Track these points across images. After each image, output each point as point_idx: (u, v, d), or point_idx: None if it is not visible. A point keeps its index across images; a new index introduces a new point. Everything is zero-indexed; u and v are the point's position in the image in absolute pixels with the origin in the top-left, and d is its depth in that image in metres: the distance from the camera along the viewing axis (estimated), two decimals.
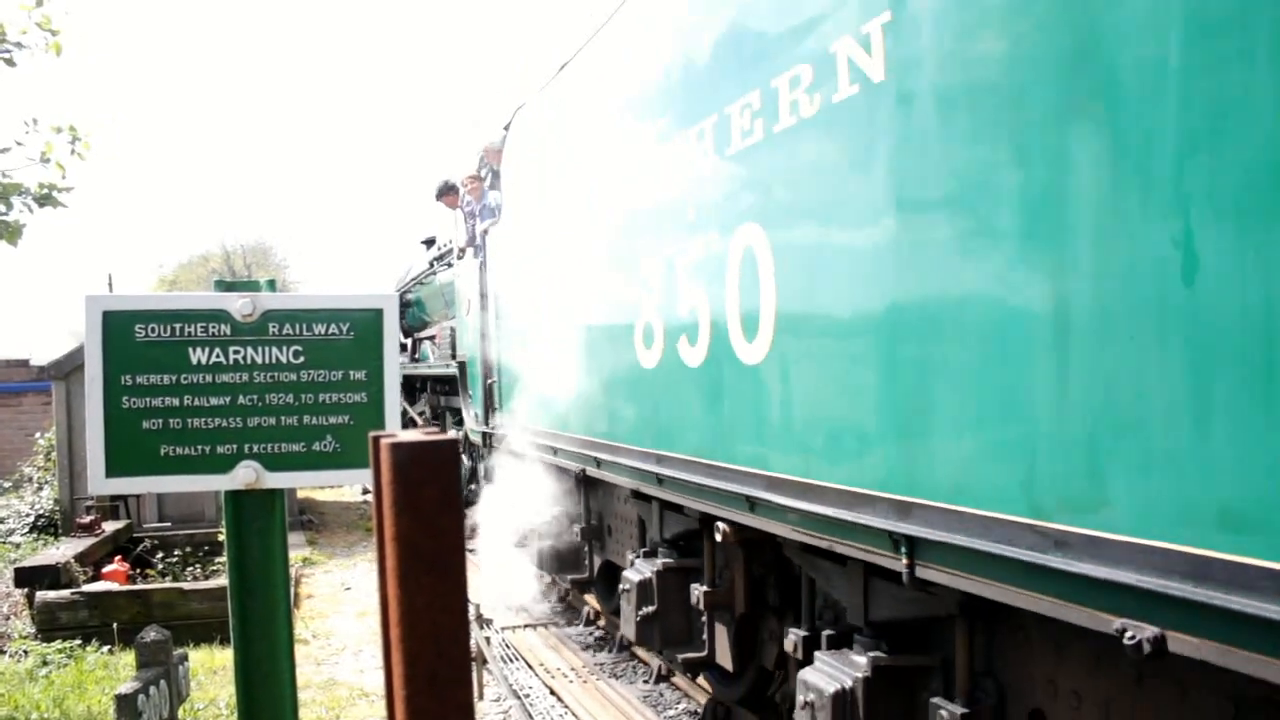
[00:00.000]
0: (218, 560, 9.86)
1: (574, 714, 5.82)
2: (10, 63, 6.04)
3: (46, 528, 11.72)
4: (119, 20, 76.94)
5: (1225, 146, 1.88)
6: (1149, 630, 2.02)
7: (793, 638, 3.93)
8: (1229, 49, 1.87)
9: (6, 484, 13.98)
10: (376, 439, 1.20)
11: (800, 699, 3.52)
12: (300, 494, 14.65)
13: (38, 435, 13.60)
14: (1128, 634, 2.06)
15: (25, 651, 7.24)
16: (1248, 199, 1.82)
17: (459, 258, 9.95)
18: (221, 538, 9.87)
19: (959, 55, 2.59)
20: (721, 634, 4.90)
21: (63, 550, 8.96)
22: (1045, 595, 2.32)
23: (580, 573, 7.21)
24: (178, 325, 2.60)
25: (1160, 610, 2.01)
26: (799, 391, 3.43)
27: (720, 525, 4.27)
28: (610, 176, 5.25)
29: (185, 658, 4.47)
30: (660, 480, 4.65)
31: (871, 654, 3.38)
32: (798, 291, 3.41)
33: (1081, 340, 2.22)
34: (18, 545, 10.97)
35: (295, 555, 10.26)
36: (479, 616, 6.82)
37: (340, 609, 8.90)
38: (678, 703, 5.97)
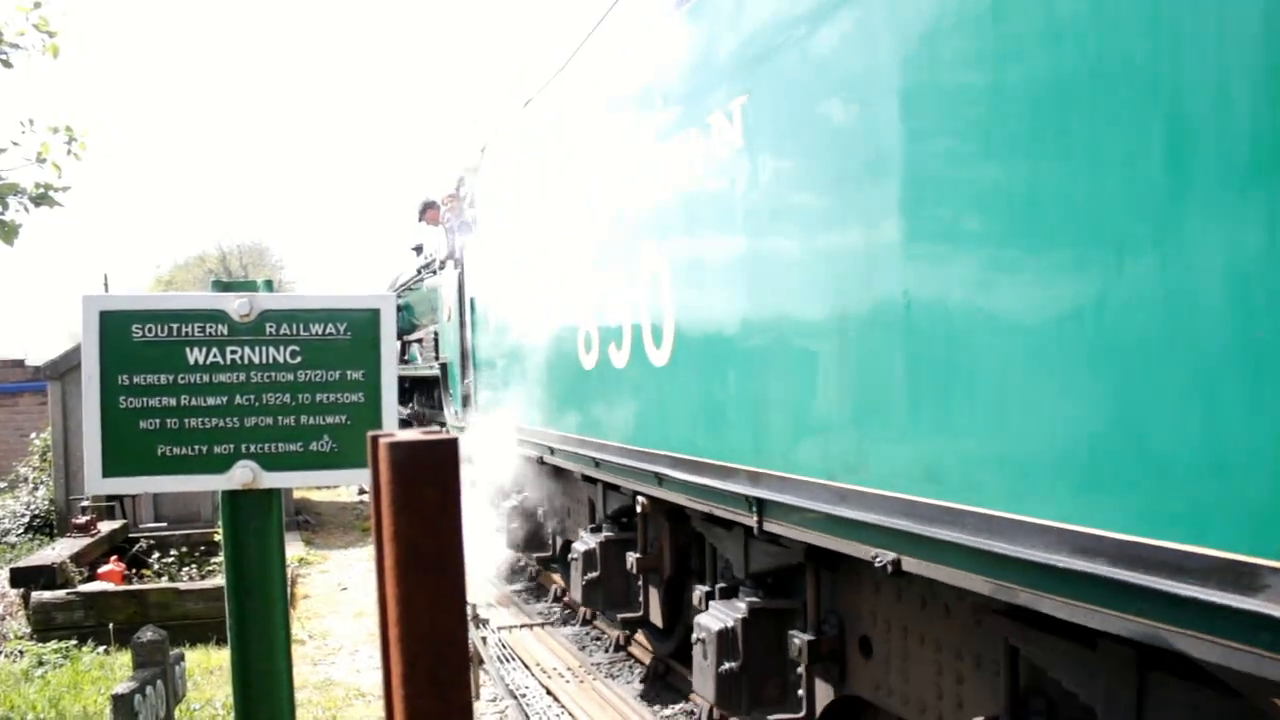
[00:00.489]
0: (213, 560, 9.84)
1: (570, 714, 5.83)
2: (7, 64, 6.03)
3: (42, 528, 11.69)
4: (117, 21, 76.80)
5: (918, 227, 2.75)
6: (890, 555, 2.89)
7: (698, 592, 4.73)
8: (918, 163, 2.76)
9: (2, 484, 13.94)
10: (375, 438, 1.20)
11: (695, 637, 4.40)
12: (296, 494, 14.64)
13: (33, 435, 13.57)
14: (877, 559, 2.93)
15: (21, 652, 7.23)
16: (932, 257, 2.70)
17: (440, 268, 10.84)
18: (217, 538, 9.87)
19: (785, 130, 3.46)
20: (653, 595, 5.75)
21: (58, 550, 8.94)
22: (837, 537, 3.20)
23: (546, 551, 8.17)
24: (175, 325, 2.60)
25: (897, 541, 2.86)
26: (690, 387, 4.30)
27: (640, 498, 5.24)
28: (560, 205, 6.13)
29: (181, 658, 4.45)
30: (597, 464, 5.48)
31: (749, 599, 4.25)
32: (687, 307, 4.29)
33: (851, 347, 3.07)
34: (13, 545, 10.95)
35: (291, 555, 10.25)
36: (475, 616, 6.82)
37: (337, 609, 8.89)
38: (674, 702, 5.97)
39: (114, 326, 2.57)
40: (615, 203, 5.12)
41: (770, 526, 3.63)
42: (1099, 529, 2.17)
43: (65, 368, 11.54)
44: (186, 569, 9.73)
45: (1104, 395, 2.15)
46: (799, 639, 3.87)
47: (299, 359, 2.67)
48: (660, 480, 4.58)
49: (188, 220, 75.58)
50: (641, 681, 6.37)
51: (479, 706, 6.05)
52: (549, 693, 6.19)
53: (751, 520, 3.71)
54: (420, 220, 12.56)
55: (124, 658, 6.75)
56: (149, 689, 3.91)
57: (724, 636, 4.20)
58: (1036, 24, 2.30)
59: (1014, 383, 2.41)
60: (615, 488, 5.76)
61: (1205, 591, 1.91)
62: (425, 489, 1.16)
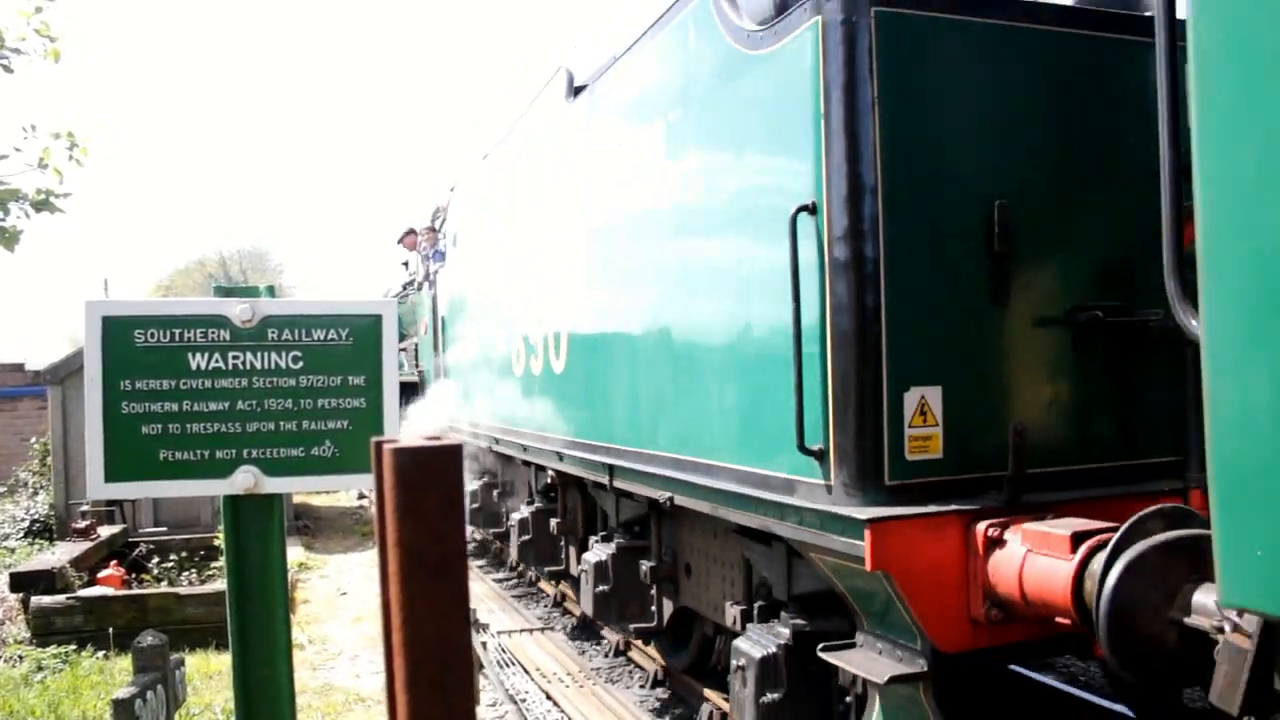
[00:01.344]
0: (213, 565, 9.83)
1: (569, 719, 5.82)
2: (8, 69, 6.04)
3: (42, 532, 11.67)
4: (118, 25, 76.90)
5: (678, 298, 4.54)
6: (667, 494, 4.55)
7: (591, 540, 6.22)
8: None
9: (2, 489, 13.92)
10: (379, 444, 1.21)
11: (579, 569, 6.09)
12: (296, 499, 14.63)
13: (33, 440, 13.56)
14: (663, 498, 4.57)
15: (20, 657, 7.22)
16: (678, 313, 4.52)
17: (419, 289, 13.15)
18: (217, 542, 9.83)
19: (607, 224, 5.41)
20: (571, 552, 7.10)
21: (58, 555, 8.93)
22: (648, 487, 4.82)
23: (500, 528, 9.64)
24: (177, 330, 2.60)
25: (671, 485, 4.53)
26: (576, 388, 5.91)
27: (549, 471, 6.96)
28: (499, 243, 7.89)
29: (182, 663, 4.45)
30: (525, 449, 7.05)
31: (618, 541, 5.80)
32: (573, 330, 5.93)
33: (650, 362, 4.77)
34: (13, 550, 10.92)
35: (291, 560, 10.24)
36: (475, 620, 6.82)
37: (336, 615, 8.88)
38: (675, 707, 5.96)
39: (116, 331, 2.57)
40: (533, 242, 6.82)
41: (618, 484, 5.24)
42: (749, 466, 3.83)
43: (65, 372, 11.54)
44: (186, 574, 9.71)
45: (748, 396, 3.87)
46: (644, 565, 5.44)
47: (301, 364, 2.67)
48: (560, 457, 6.18)
49: (188, 225, 75.62)
50: (642, 687, 6.37)
51: (479, 711, 6.05)
52: (549, 697, 6.19)
53: (606, 480, 5.32)
54: (399, 244, 14.66)
55: (124, 663, 6.74)
56: (149, 694, 3.91)
57: (599, 567, 5.73)
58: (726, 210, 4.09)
59: (715, 387, 4.12)
60: (541, 468, 7.23)
61: (779, 495, 3.61)
62: (428, 494, 1.16)
